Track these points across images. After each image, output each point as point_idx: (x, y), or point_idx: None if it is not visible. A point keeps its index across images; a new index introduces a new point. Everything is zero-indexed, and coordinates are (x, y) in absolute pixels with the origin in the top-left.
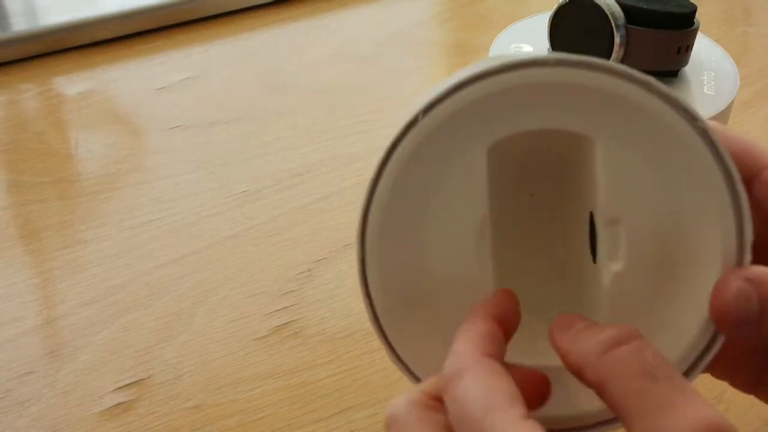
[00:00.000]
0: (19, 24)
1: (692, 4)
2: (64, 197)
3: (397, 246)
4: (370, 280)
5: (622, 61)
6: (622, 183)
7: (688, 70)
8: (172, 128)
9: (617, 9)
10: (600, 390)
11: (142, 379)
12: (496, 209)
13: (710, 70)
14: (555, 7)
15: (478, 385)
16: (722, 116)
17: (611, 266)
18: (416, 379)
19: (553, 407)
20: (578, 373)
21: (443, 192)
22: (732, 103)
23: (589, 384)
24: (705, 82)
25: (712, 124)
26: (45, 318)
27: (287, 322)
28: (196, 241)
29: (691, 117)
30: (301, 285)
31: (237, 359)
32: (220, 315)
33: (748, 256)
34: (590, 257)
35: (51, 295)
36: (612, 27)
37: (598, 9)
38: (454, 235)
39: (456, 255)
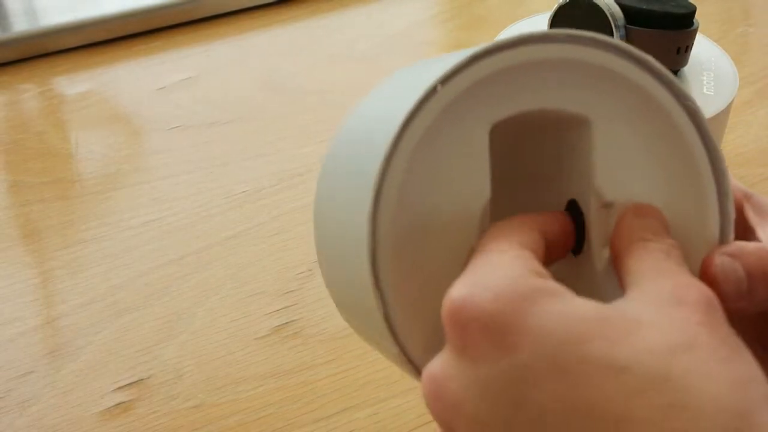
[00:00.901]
0: (19, 24)
1: (692, 4)
2: (64, 197)
3: (407, 229)
4: (380, 260)
5: None
6: (616, 165)
7: (687, 70)
8: (172, 128)
9: (617, 9)
10: (624, 255)
11: (142, 379)
12: (493, 193)
13: (710, 70)
14: (555, 7)
15: (495, 231)
16: (722, 116)
17: (604, 251)
18: (405, 356)
19: None
20: (615, 242)
21: (449, 173)
22: (732, 103)
23: (618, 247)
24: (705, 82)
25: None
26: (45, 318)
27: (287, 322)
28: (196, 241)
29: (682, 96)
30: (301, 285)
31: (237, 359)
32: (220, 315)
33: (731, 234)
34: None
35: (51, 295)
36: (612, 27)
37: (598, 9)
38: (459, 217)
39: (460, 238)
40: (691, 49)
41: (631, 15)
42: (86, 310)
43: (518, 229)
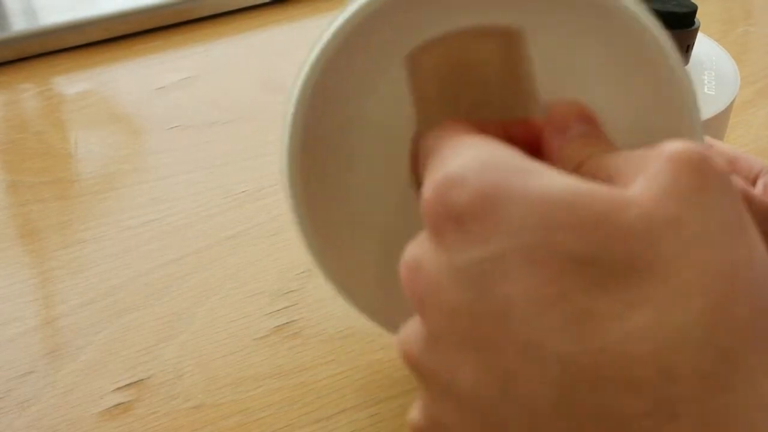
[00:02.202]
0: (19, 24)
1: (692, 3)
2: (63, 197)
3: (324, 170)
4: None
5: None
6: (559, 75)
7: (688, 69)
8: (171, 128)
9: None
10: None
11: (142, 379)
12: (424, 127)
13: (710, 70)
14: None
15: (449, 125)
16: (723, 116)
17: None
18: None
19: None
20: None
21: (368, 108)
22: (732, 102)
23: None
24: (705, 81)
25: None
26: (45, 318)
27: (287, 322)
28: (196, 241)
29: None
30: (301, 285)
31: (237, 359)
32: (220, 315)
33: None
34: None
35: (51, 295)
36: None
37: None
38: (384, 155)
39: (387, 173)
40: (692, 48)
41: None
42: (86, 310)
43: (475, 125)
